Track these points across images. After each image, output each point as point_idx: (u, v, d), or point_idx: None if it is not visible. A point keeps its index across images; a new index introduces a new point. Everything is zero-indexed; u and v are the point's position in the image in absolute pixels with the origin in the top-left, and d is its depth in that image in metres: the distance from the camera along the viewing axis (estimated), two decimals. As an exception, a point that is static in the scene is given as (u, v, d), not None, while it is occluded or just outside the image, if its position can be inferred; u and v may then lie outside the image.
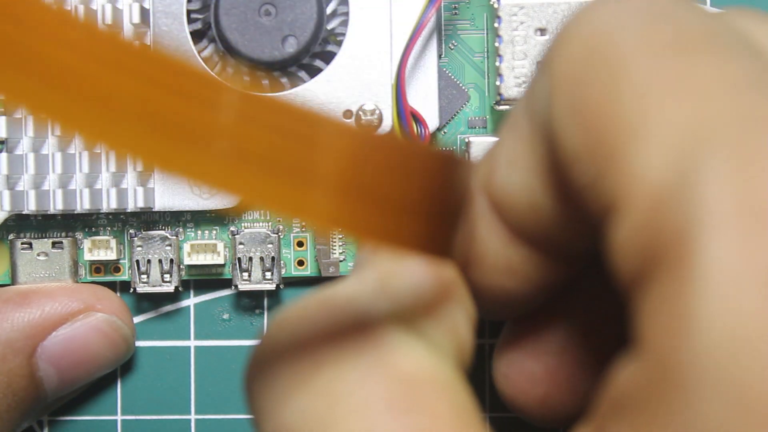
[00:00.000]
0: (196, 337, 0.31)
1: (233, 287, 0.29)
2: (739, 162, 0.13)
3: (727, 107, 0.14)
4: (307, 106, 0.14)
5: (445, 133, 0.30)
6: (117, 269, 0.30)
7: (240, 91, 0.14)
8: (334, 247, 0.30)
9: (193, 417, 0.31)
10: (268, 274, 0.29)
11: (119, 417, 0.31)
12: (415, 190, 0.16)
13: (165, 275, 0.29)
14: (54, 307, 0.29)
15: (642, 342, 0.14)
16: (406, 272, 0.17)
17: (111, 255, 0.29)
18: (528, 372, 0.21)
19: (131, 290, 0.30)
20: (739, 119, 0.14)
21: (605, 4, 0.16)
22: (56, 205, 0.28)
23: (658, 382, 0.13)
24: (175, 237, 0.29)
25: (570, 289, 0.21)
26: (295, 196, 0.14)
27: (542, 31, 0.27)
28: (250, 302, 0.31)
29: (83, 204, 0.28)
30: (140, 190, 0.28)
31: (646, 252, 0.14)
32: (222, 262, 0.30)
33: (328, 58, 0.28)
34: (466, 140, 0.28)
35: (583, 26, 0.16)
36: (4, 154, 0.28)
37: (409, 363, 0.16)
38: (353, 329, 0.16)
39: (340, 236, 0.29)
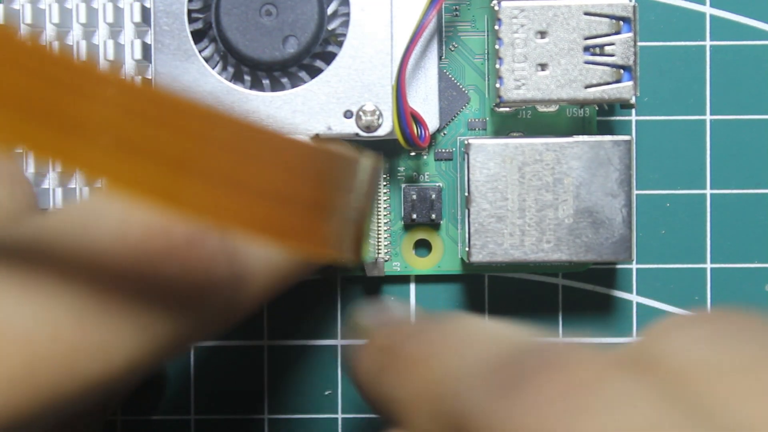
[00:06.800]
0: (197, 337, 0.31)
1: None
2: None
3: None
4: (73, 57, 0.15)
5: (444, 134, 0.30)
6: (116, 267, 0.30)
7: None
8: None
9: (193, 417, 0.31)
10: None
11: (119, 417, 0.31)
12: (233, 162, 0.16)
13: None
14: None
15: None
16: None
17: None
18: None
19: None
20: None
21: None
22: (56, 203, 0.28)
23: None
24: (174, 236, 0.29)
25: None
26: (67, 145, 0.14)
27: (542, 33, 0.27)
28: (250, 302, 0.31)
29: (83, 202, 0.28)
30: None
31: None
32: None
33: (328, 58, 0.28)
34: (466, 142, 0.28)
35: None
36: (5, 152, 0.28)
37: None
38: None
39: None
